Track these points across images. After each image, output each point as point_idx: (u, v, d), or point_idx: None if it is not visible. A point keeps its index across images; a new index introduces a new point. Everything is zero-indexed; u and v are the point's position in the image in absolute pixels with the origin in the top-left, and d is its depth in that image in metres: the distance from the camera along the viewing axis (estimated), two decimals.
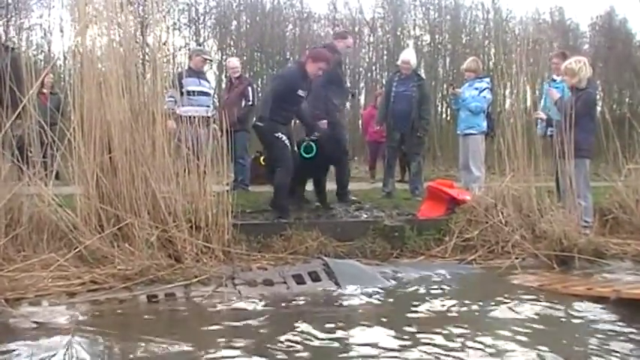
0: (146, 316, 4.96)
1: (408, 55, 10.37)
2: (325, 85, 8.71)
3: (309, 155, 7.80)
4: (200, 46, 21.01)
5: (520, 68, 8.28)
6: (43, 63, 20.55)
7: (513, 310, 5.14)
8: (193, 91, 8.64)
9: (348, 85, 9.92)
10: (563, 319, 4.94)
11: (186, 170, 6.55)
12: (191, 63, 9.64)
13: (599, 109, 24.25)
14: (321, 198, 8.36)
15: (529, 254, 6.94)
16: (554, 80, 8.85)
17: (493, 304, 5.37)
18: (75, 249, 5.71)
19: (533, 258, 6.90)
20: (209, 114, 8.15)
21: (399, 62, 10.32)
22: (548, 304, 5.37)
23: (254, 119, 7.83)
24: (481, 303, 5.39)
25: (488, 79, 9.93)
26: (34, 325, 4.52)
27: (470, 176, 9.30)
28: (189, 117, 7.00)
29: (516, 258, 6.83)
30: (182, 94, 8.03)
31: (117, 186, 6.11)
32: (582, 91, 7.62)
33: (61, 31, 20.97)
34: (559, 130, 7.46)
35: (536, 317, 4.95)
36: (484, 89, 9.47)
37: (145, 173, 6.18)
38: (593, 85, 7.96)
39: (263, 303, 5.38)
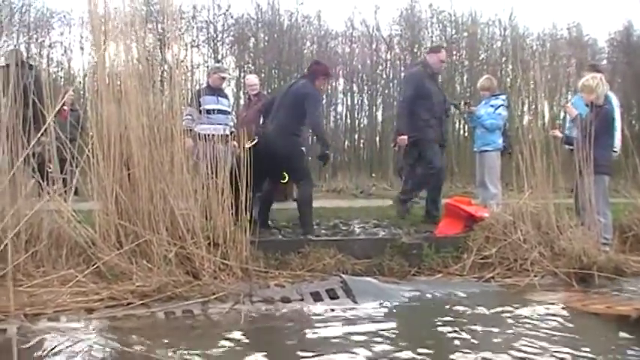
0: (164, 333, 4.95)
1: None
2: (413, 100, 8.68)
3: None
4: (219, 63, 21.12)
5: (538, 84, 8.27)
6: (63, 80, 20.77)
7: (532, 329, 5.10)
8: (212, 110, 8.67)
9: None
10: (582, 338, 4.88)
11: (205, 187, 6.58)
12: (209, 80, 9.65)
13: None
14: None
15: (548, 272, 6.87)
16: None
17: (511, 322, 5.33)
18: (93, 265, 5.73)
19: (552, 276, 6.83)
20: (227, 132, 8.16)
21: None
22: (567, 322, 5.34)
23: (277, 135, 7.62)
24: (500, 321, 5.36)
25: (504, 97, 9.92)
26: (52, 342, 4.53)
27: (486, 193, 9.27)
28: (207, 135, 7.04)
29: (535, 276, 6.77)
30: (200, 112, 8.08)
31: (135, 202, 6.14)
32: (600, 108, 7.60)
33: (81, 48, 21.24)
34: (577, 147, 7.42)
35: (554, 335, 4.91)
36: (499, 106, 9.47)
37: (164, 190, 6.20)
38: (610, 100, 7.91)
39: (281, 320, 5.38)
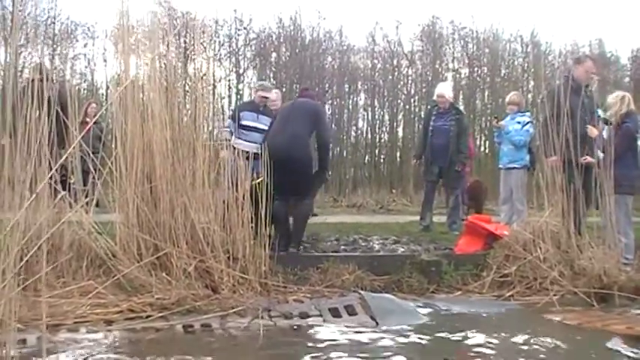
0: (182, 346, 4.97)
1: (443, 89, 10.42)
2: (549, 119, 7.79)
3: None
4: (241, 76, 21.27)
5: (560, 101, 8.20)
6: (86, 92, 20.96)
7: (551, 349, 5.07)
8: (249, 126, 8.64)
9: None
10: (602, 358, 4.85)
11: (225, 201, 6.60)
12: (255, 97, 9.59)
13: None
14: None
15: (567, 291, 6.82)
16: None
17: (531, 341, 5.30)
18: (113, 277, 5.77)
19: (571, 295, 6.77)
20: (258, 150, 8.10)
21: (434, 97, 10.33)
22: (587, 342, 5.30)
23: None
24: (518, 340, 5.33)
25: (529, 113, 9.92)
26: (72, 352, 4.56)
27: (513, 210, 9.25)
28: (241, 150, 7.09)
29: (554, 295, 6.71)
30: (240, 126, 8.14)
31: (156, 215, 6.18)
32: (620, 126, 7.54)
33: (105, 60, 21.42)
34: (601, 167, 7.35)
35: (574, 356, 4.87)
36: (527, 123, 9.46)
37: (185, 203, 6.24)
38: (633, 118, 7.77)
39: (299, 336, 5.38)
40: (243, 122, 8.48)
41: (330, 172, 7.66)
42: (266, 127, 8.60)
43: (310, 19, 26.86)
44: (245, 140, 8.18)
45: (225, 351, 4.92)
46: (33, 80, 5.71)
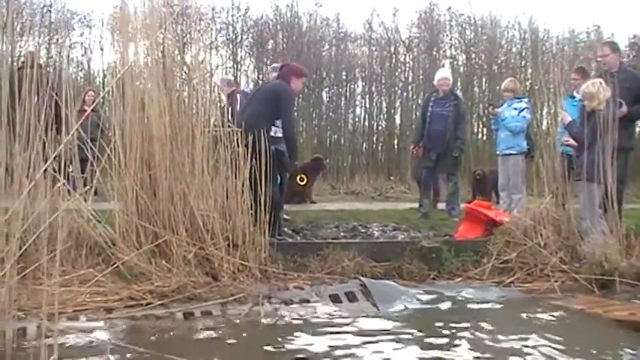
0: (182, 334, 4.95)
1: (446, 73, 10.40)
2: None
3: None
4: (238, 64, 21.17)
5: (558, 88, 8.18)
6: (82, 80, 20.88)
7: (551, 334, 5.05)
8: None
9: None
10: (605, 345, 4.84)
11: (225, 188, 6.56)
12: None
13: (637, 129, 23.89)
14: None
15: (568, 277, 6.81)
16: (573, 97, 8.55)
17: (531, 328, 5.29)
18: (113, 265, 5.75)
19: (572, 281, 6.76)
20: None
21: (435, 81, 10.30)
22: (588, 328, 5.29)
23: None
24: (519, 327, 5.32)
25: (526, 99, 9.89)
26: (72, 341, 4.54)
27: (511, 197, 9.22)
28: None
29: (555, 281, 6.71)
30: None
31: (156, 203, 6.16)
32: (594, 113, 7.25)
33: (101, 49, 21.33)
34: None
35: (576, 342, 4.86)
36: (523, 109, 9.42)
37: (184, 190, 6.22)
38: (608, 106, 7.47)
39: (300, 323, 5.36)
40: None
41: (296, 162, 7.41)
42: None
43: (307, 7, 26.80)
44: None
45: (226, 338, 4.90)
46: (30, 67, 5.66)
